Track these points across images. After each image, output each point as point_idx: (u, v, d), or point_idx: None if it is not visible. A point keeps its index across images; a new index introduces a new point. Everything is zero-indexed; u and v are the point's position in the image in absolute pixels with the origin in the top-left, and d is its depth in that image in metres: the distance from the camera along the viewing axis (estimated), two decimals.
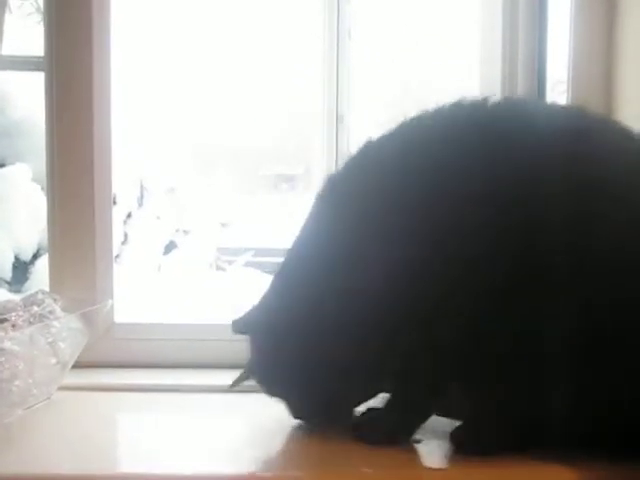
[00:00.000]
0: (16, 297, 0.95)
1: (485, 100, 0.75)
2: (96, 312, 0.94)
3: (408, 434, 0.74)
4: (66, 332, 0.89)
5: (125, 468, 0.74)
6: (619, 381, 0.66)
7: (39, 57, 1.03)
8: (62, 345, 0.88)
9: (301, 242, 0.78)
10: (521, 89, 1.06)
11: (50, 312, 0.89)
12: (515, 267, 0.67)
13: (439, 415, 0.75)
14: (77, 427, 0.81)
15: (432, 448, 0.72)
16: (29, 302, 0.90)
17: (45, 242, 1.11)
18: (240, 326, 0.79)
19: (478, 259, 0.68)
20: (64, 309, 0.92)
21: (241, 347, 0.79)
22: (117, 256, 2.75)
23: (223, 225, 3.30)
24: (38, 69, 1.02)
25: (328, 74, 1.30)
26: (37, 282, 2.41)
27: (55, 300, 0.92)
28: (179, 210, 3.12)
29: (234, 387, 0.83)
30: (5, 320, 0.85)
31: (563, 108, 0.78)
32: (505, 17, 1.06)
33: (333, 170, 0.79)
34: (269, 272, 0.82)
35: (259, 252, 2.97)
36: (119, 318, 1.05)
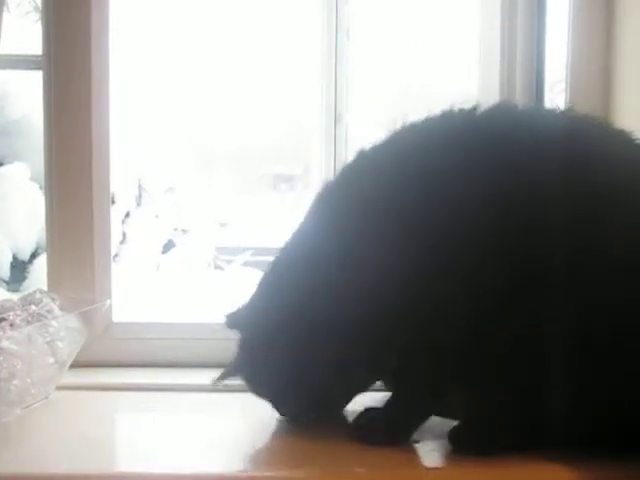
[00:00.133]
0: (14, 296, 0.95)
1: (477, 106, 0.75)
2: (94, 311, 0.94)
3: (407, 434, 0.74)
4: (64, 331, 0.89)
5: (123, 467, 0.74)
6: (618, 381, 0.67)
7: (37, 56, 1.02)
8: (60, 344, 0.88)
9: (296, 243, 0.78)
10: (519, 89, 1.06)
11: (48, 311, 0.89)
12: (514, 269, 0.68)
13: (438, 415, 0.75)
14: (75, 426, 0.81)
15: (430, 448, 0.72)
16: (27, 301, 0.90)
17: (43, 241, 1.11)
18: (232, 321, 0.79)
19: (477, 262, 0.68)
20: (62, 308, 0.92)
21: None
22: (115, 255, 2.75)
23: (222, 224, 3.30)
24: (36, 68, 1.02)
25: (327, 74, 1.30)
26: (35, 281, 2.41)
27: (53, 299, 0.92)
28: (178, 209, 3.12)
29: (218, 383, 0.82)
30: (3, 319, 0.85)
31: (559, 112, 0.79)
32: (504, 18, 1.06)
33: (332, 170, 0.79)
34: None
35: (258, 252, 2.97)
36: (117, 317, 1.05)
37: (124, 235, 2.88)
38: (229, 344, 0.80)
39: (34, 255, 2.57)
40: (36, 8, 2.51)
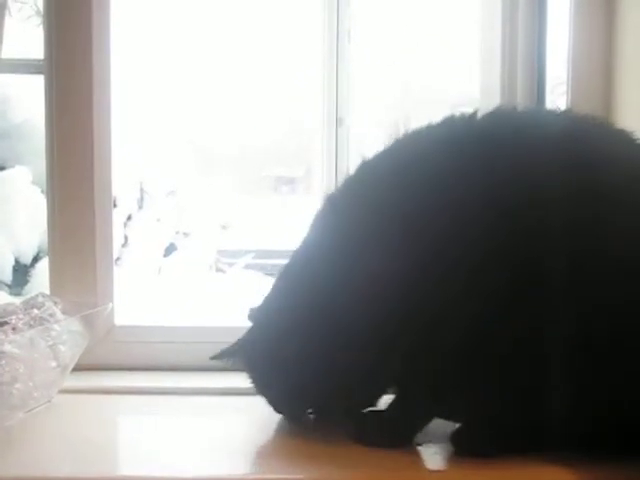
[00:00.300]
0: (16, 300, 0.95)
1: (475, 112, 0.75)
2: (96, 315, 0.94)
3: (410, 437, 0.74)
4: (66, 335, 0.89)
5: (125, 471, 0.74)
6: (618, 382, 0.67)
7: (39, 60, 1.03)
8: (62, 348, 0.88)
9: (305, 248, 0.79)
10: (520, 90, 1.06)
11: (50, 315, 0.89)
12: (516, 271, 0.68)
13: (440, 417, 0.75)
14: (78, 430, 0.81)
15: (433, 450, 0.72)
16: (29, 305, 0.90)
17: (45, 245, 1.11)
18: (252, 315, 0.81)
19: (480, 265, 0.69)
20: (64, 312, 0.92)
21: None
22: (117, 259, 2.75)
23: (223, 227, 3.30)
24: (38, 72, 1.03)
25: (328, 76, 1.30)
26: (37, 285, 2.40)
27: (55, 303, 0.92)
28: (179, 212, 3.12)
29: (216, 359, 0.83)
30: (5, 323, 0.85)
31: (560, 113, 0.79)
32: (505, 18, 1.06)
33: (333, 172, 0.80)
34: (269, 274, 0.82)
35: (259, 254, 2.97)
36: (119, 321, 1.05)
37: (126, 238, 2.88)
38: None
39: (36, 259, 2.57)
40: (38, 12, 2.52)
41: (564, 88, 1.03)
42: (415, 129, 0.77)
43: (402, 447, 0.73)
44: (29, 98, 2.61)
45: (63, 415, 0.85)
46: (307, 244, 0.80)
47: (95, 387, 0.94)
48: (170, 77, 3.02)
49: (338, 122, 1.30)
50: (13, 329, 0.85)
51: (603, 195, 0.68)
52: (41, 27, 1.05)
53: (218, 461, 0.73)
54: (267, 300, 0.81)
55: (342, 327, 0.73)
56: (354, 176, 0.79)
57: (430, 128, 0.76)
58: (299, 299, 0.76)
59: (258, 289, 0.82)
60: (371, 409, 0.77)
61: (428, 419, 0.74)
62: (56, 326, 0.88)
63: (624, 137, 0.75)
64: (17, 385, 0.81)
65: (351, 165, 0.81)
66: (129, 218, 2.91)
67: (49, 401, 0.88)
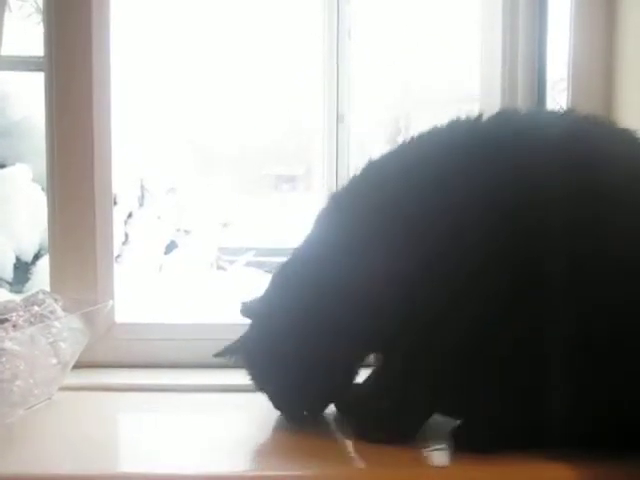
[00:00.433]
0: (17, 297, 0.95)
1: (480, 115, 0.76)
2: (97, 312, 0.94)
3: (411, 433, 0.74)
4: (67, 332, 0.89)
5: (126, 468, 0.74)
6: (618, 381, 0.67)
7: (39, 57, 1.03)
8: (63, 345, 0.89)
9: (308, 246, 0.80)
10: (521, 89, 1.06)
11: (51, 312, 0.89)
12: (516, 272, 0.68)
13: (440, 414, 0.75)
14: (78, 427, 0.81)
15: (433, 446, 0.73)
16: (30, 302, 0.91)
17: (46, 242, 1.11)
18: (247, 309, 0.81)
19: (481, 266, 0.69)
20: (65, 309, 0.92)
21: None
22: (118, 256, 2.75)
23: (224, 225, 3.30)
24: (38, 69, 1.03)
25: (328, 74, 1.30)
26: (38, 282, 2.41)
27: (56, 300, 0.92)
28: (180, 210, 3.12)
29: (219, 356, 0.83)
30: (6, 320, 0.85)
31: (561, 114, 0.79)
32: (505, 17, 1.06)
33: (334, 170, 0.80)
34: (270, 272, 0.83)
35: (260, 252, 2.97)
36: (120, 318, 1.05)
37: (126, 236, 2.88)
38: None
39: (37, 256, 2.57)
40: (38, 10, 2.52)
41: (564, 86, 1.03)
42: (422, 132, 0.77)
43: (403, 443, 0.73)
44: (29, 95, 2.61)
45: (63, 412, 0.85)
46: (310, 242, 0.80)
47: (95, 384, 0.94)
48: (171, 75, 3.02)
49: (338, 120, 1.30)
50: (14, 326, 0.85)
51: (603, 195, 0.68)
52: (41, 25, 1.05)
53: (218, 458, 0.73)
54: (267, 296, 0.81)
55: (342, 326, 0.73)
56: (360, 176, 0.79)
57: (435, 130, 0.77)
58: (301, 296, 0.76)
59: (258, 287, 0.82)
60: (372, 406, 0.77)
61: (428, 416, 0.75)
62: (56, 323, 0.88)
63: (626, 137, 0.75)
64: (17, 382, 0.82)
65: (352, 164, 0.82)
66: (130, 216, 2.91)
67: (49, 398, 0.88)
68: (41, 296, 0.92)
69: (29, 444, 0.76)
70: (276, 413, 0.81)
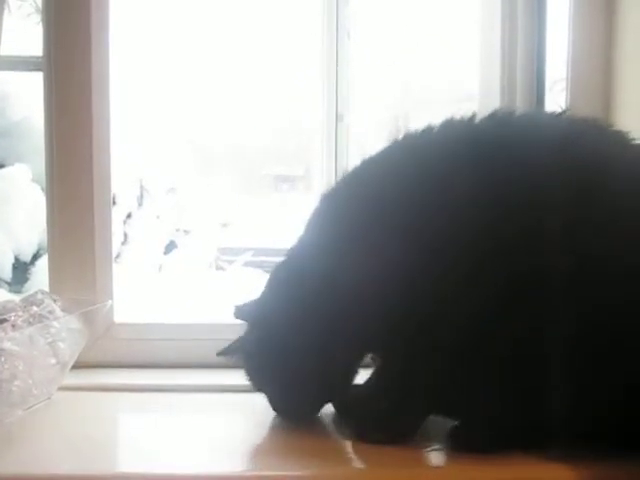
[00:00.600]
0: (16, 297, 0.95)
1: (474, 115, 0.76)
2: (96, 312, 0.94)
3: (409, 433, 0.74)
4: (66, 332, 0.89)
5: (125, 468, 0.74)
6: (619, 382, 0.67)
7: (38, 57, 1.02)
8: (62, 345, 0.88)
9: (303, 244, 0.79)
10: (520, 89, 1.06)
11: (50, 312, 0.89)
12: (515, 272, 0.68)
13: (439, 414, 0.75)
14: (77, 427, 0.81)
15: (431, 446, 0.73)
16: (29, 302, 0.90)
17: (45, 242, 1.11)
18: (241, 312, 0.81)
19: (478, 265, 0.69)
20: (64, 309, 0.92)
21: None
22: (117, 256, 2.75)
23: (223, 225, 3.30)
24: (37, 69, 1.02)
25: (328, 74, 1.30)
26: (37, 282, 2.41)
27: (55, 300, 0.92)
28: (179, 210, 3.13)
29: (222, 355, 0.83)
30: (5, 320, 0.85)
31: (558, 115, 0.79)
32: (504, 17, 1.06)
33: (333, 170, 0.80)
34: (269, 272, 0.82)
35: (259, 252, 2.97)
36: (119, 318, 1.05)
37: (125, 236, 2.88)
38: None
39: (36, 256, 2.58)
40: (37, 10, 2.52)
41: (563, 86, 1.03)
42: (413, 130, 0.77)
43: (402, 443, 0.73)
44: (28, 95, 2.61)
45: (62, 412, 0.85)
46: (304, 242, 0.80)
47: (94, 384, 0.94)
48: (170, 75, 3.02)
49: (338, 120, 1.30)
50: (12, 326, 0.85)
51: (602, 196, 0.68)
52: (40, 24, 1.04)
53: (218, 458, 0.73)
54: (263, 298, 0.80)
55: (339, 326, 0.73)
56: (351, 175, 0.79)
57: (428, 130, 0.77)
58: (296, 297, 0.76)
59: (258, 287, 0.82)
60: (370, 406, 0.77)
61: (426, 416, 0.75)
62: (55, 323, 0.88)
63: (621, 139, 0.75)
64: (16, 382, 0.81)
65: (351, 164, 0.81)
66: (129, 216, 2.91)
67: (48, 398, 0.88)
68: (40, 296, 0.92)
69: (28, 444, 0.76)
70: (274, 413, 0.81)
